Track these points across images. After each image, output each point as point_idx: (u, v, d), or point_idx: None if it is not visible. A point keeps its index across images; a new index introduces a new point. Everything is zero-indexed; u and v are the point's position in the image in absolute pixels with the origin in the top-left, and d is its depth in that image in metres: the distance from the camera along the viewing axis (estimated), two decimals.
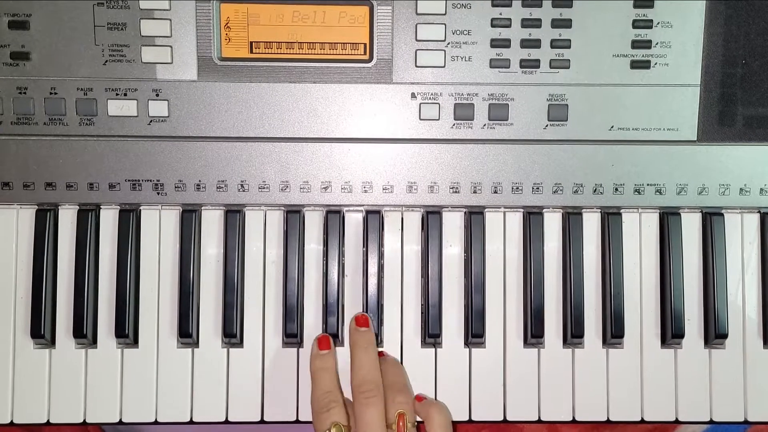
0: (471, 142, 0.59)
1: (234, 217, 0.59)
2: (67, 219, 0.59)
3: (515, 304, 0.60)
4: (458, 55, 0.58)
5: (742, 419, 0.60)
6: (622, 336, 0.59)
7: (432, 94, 0.59)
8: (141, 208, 0.59)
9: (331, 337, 0.57)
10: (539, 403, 0.59)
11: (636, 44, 0.58)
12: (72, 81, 0.57)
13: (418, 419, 0.55)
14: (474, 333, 0.59)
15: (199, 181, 0.58)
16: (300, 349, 0.59)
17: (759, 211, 0.61)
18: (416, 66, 0.58)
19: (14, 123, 0.58)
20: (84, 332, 0.58)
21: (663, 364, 0.60)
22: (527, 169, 0.59)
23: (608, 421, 0.60)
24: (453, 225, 0.60)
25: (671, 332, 0.59)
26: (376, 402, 0.53)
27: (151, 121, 0.58)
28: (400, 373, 0.57)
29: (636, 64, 0.58)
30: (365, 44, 0.58)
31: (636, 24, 0.58)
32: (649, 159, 0.59)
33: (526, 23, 0.58)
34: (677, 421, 0.60)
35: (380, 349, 0.59)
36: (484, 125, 0.59)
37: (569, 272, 0.59)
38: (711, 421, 0.60)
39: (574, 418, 0.60)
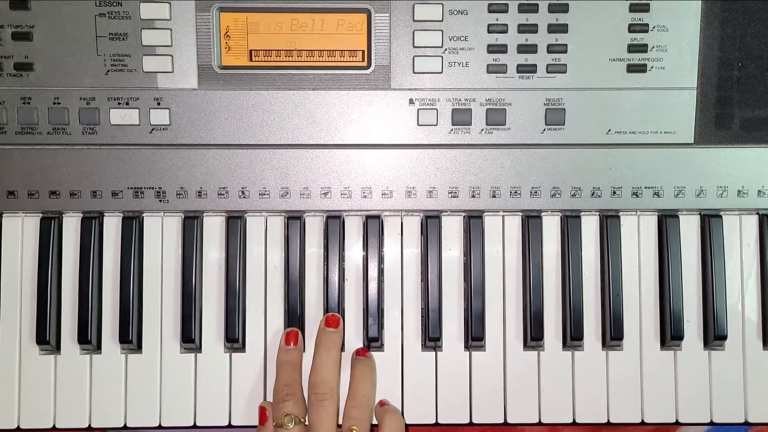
0: (469, 147, 0.60)
1: (235, 223, 0.59)
2: (71, 226, 0.60)
3: (515, 307, 0.60)
4: (455, 61, 0.59)
5: (742, 420, 0.60)
6: (621, 338, 0.59)
7: (430, 99, 0.59)
8: (143, 215, 0.60)
9: (299, 332, 0.58)
10: (539, 405, 0.60)
11: (632, 48, 0.58)
12: (75, 91, 0.58)
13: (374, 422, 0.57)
14: (474, 336, 0.59)
15: (201, 188, 0.59)
16: (302, 353, 0.59)
17: (757, 213, 0.61)
18: (414, 72, 0.59)
19: (18, 133, 0.59)
20: (88, 338, 0.58)
21: (663, 366, 0.60)
22: (525, 173, 0.60)
23: (608, 423, 0.60)
24: (452, 229, 0.60)
25: (670, 334, 0.59)
26: (327, 405, 0.54)
27: (152, 130, 0.59)
28: (368, 383, 0.57)
29: (632, 68, 0.59)
30: (363, 51, 0.59)
31: (632, 28, 0.58)
32: (647, 162, 0.59)
33: (523, 28, 0.58)
34: (677, 423, 0.60)
35: (364, 348, 0.59)
36: (482, 130, 0.59)
37: (568, 275, 0.60)
38: (711, 423, 0.60)
39: (574, 420, 0.60)
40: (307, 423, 0.55)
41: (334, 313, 0.59)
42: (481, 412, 0.60)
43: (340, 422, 0.55)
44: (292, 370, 0.57)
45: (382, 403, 0.58)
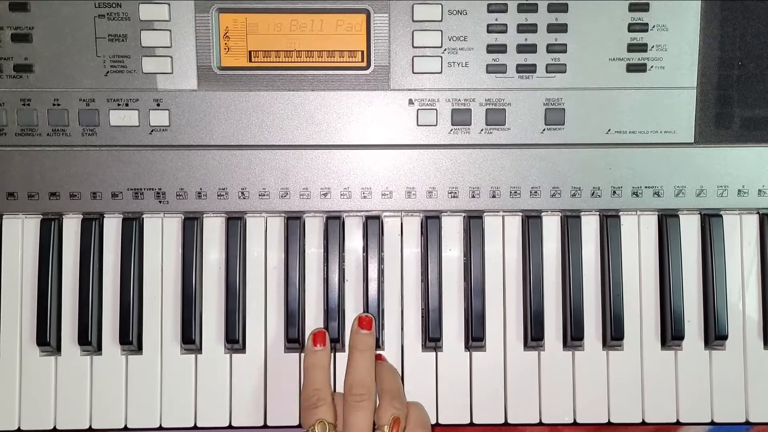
0: (469, 147, 0.60)
1: (235, 224, 0.59)
2: (71, 228, 0.60)
3: (515, 308, 0.60)
4: (455, 61, 0.59)
5: (743, 420, 0.60)
6: (622, 338, 0.59)
7: (429, 100, 0.59)
8: (143, 216, 0.60)
9: (327, 333, 0.58)
10: (540, 405, 0.60)
11: (632, 47, 0.58)
12: (74, 92, 0.58)
13: None
14: (474, 336, 0.59)
15: (200, 188, 0.59)
16: (302, 354, 0.59)
17: (758, 212, 0.61)
18: (413, 72, 0.59)
19: (18, 134, 0.59)
20: (89, 339, 0.58)
21: (663, 366, 0.60)
22: (525, 173, 0.60)
23: (609, 423, 0.60)
24: (452, 229, 0.60)
25: (671, 334, 0.59)
26: (365, 406, 0.53)
27: (152, 131, 0.59)
28: (397, 379, 0.57)
29: (632, 68, 0.59)
30: (362, 51, 0.59)
31: (631, 27, 0.58)
32: (647, 162, 0.59)
33: (522, 28, 0.58)
34: (678, 423, 0.60)
35: (379, 352, 0.59)
36: (482, 130, 0.59)
37: (568, 275, 0.59)
38: (712, 422, 0.60)
39: (575, 420, 0.60)
40: (338, 428, 0.54)
41: (367, 314, 0.58)
42: (482, 412, 0.60)
43: None
44: (322, 373, 0.56)
45: None
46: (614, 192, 0.60)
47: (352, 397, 0.53)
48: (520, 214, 0.60)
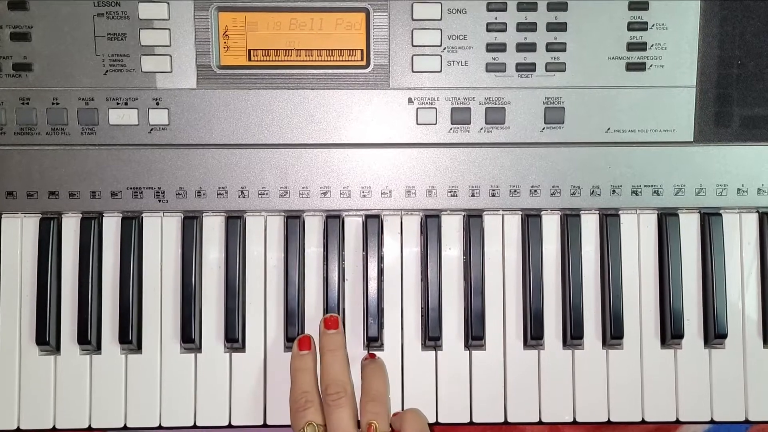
0: (468, 146, 0.60)
1: (235, 223, 0.59)
2: (71, 227, 0.60)
3: (515, 306, 0.60)
4: (454, 60, 0.59)
5: (743, 419, 0.60)
6: (621, 337, 0.59)
7: (429, 98, 0.59)
8: (143, 215, 0.60)
9: (312, 338, 0.58)
10: (540, 404, 0.60)
11: (631, 46, 0.58)
12: (73, 91, 0.58)
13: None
14: (474, 335, 0.59)
15: (200, 187, 0.59)
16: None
17: (757, 211, 0.61)
18: (413, 71, 0.59)
19: (17, 133, 0.59)
20: (88, 338, 0.58)
21: (663, 365, 0.60)
22: (524, 172, 0.60)
23: (609, 422, 0.60)
24: (452, 228, 0.60)
25: (671, 332, 0.59)
26: (344, 403, 0.53)
27: (151, 130, 0.59)
28: (379, 379, 0.57)
29: (631, 66, 0.59)
30: (362, 50, 0.59)
31: (631, 26, 0.58)
32: (646, 160, 0.59)
33: (522, 27, 0.58)
34: (678, 422, 0.60)
35: (372, 352, 0.59)
36: (481, 129, 0.59)
37: (568, 274, 0.60)
38: (712, 421, 0.60)
39: (575, 419, 0.60)
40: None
41: (331, 315, 0.58)
42: (482, 411, 0.60)
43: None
44: (309, 375, 0.56)
45: (394, 414, 0.58)
46: (614, 191, 0.60)
47: (329, 397, 0.54)
48: (520, 213, 0.61)
